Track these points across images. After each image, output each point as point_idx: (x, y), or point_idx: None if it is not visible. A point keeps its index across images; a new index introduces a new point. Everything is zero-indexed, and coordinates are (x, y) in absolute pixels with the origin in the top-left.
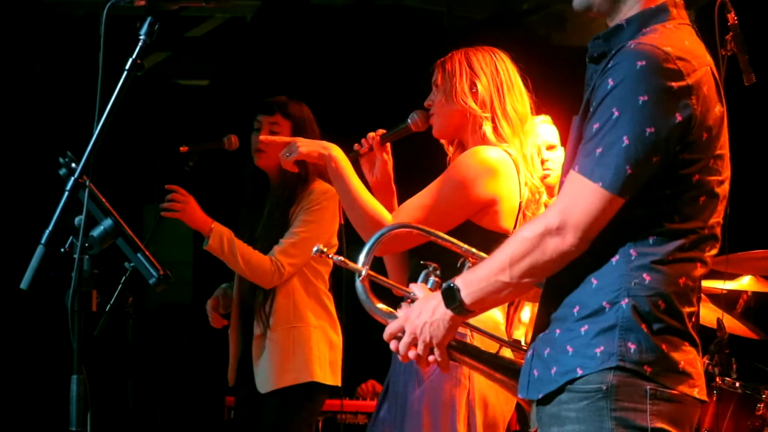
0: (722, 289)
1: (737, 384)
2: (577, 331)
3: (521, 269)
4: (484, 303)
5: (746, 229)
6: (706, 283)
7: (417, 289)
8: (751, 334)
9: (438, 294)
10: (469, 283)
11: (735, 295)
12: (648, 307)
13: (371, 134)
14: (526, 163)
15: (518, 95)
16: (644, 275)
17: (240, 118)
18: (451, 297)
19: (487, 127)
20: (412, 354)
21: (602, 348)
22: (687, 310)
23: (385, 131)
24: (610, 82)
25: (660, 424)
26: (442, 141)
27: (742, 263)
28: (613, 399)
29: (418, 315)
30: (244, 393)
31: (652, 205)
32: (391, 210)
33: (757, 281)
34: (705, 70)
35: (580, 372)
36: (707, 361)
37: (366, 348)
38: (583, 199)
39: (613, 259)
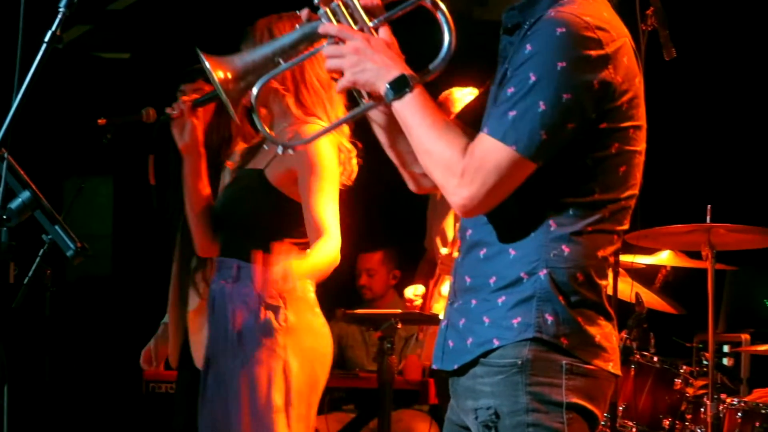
0: (641, 264)
1: (655, 358)
2: (494, 302)
3: (426, 165)
4: (396, 123)
5: (665, 204)
6: (625, 258)
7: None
8: (669, 309)
9: (398, 66)
10: (413, 104)
11: (653, 269)
12: (566, 279)
13: (183, 98)
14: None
15: (322, 62)
16: (563, 246)
17: (161, 91)
18: (400, 87)
19: (290, 100)
20: (333, 62)
21: (519, 319)
22: (603, 283)
23: (197, 96)
24: (528, 48)
25: (575, 399)
26: None
27: (661, 238)
28: (528, 374)
29: (376, 52)
30: (186, 374)
31: (572, 176)
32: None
33: (676, 256)
34: (624, 41)
35: (497, 343)
36: (625, 336)
37: None
38: (496, 160)
39: (532, 230)
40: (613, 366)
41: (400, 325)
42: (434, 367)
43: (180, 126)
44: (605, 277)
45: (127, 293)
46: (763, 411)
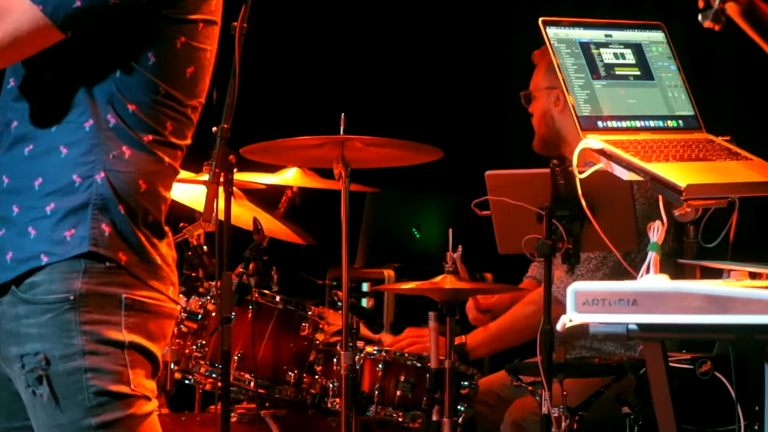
0: (261, 184)
1: (278, 298)
2: (41, 210)
3: None
4: None
5: (290, 113)
6: (242, 176)
7: None
8: (296, 238)
9: None
10: None
11: (277, 190)
12: (126, 186)
13: None
14: None
15: None
16: (124, 148)
17: None
18: None
19: None
20: None
21: (73, 231)
22: (167, 197)
23: None
24: None
25: (136, 338)
26: None
27: (285, 152)
28: (82, 310)
29: None
30: None
31: (134, 69)
32: None
33: (304, 174)
34: None
35: (45, 260)
36: (241, 270)
37: None
38: (17, 19)
39: (87, 124)
40: (173, 291)
41: None
42: None
43: None
44: (167, 190)
45: None
46: (410, 362)
